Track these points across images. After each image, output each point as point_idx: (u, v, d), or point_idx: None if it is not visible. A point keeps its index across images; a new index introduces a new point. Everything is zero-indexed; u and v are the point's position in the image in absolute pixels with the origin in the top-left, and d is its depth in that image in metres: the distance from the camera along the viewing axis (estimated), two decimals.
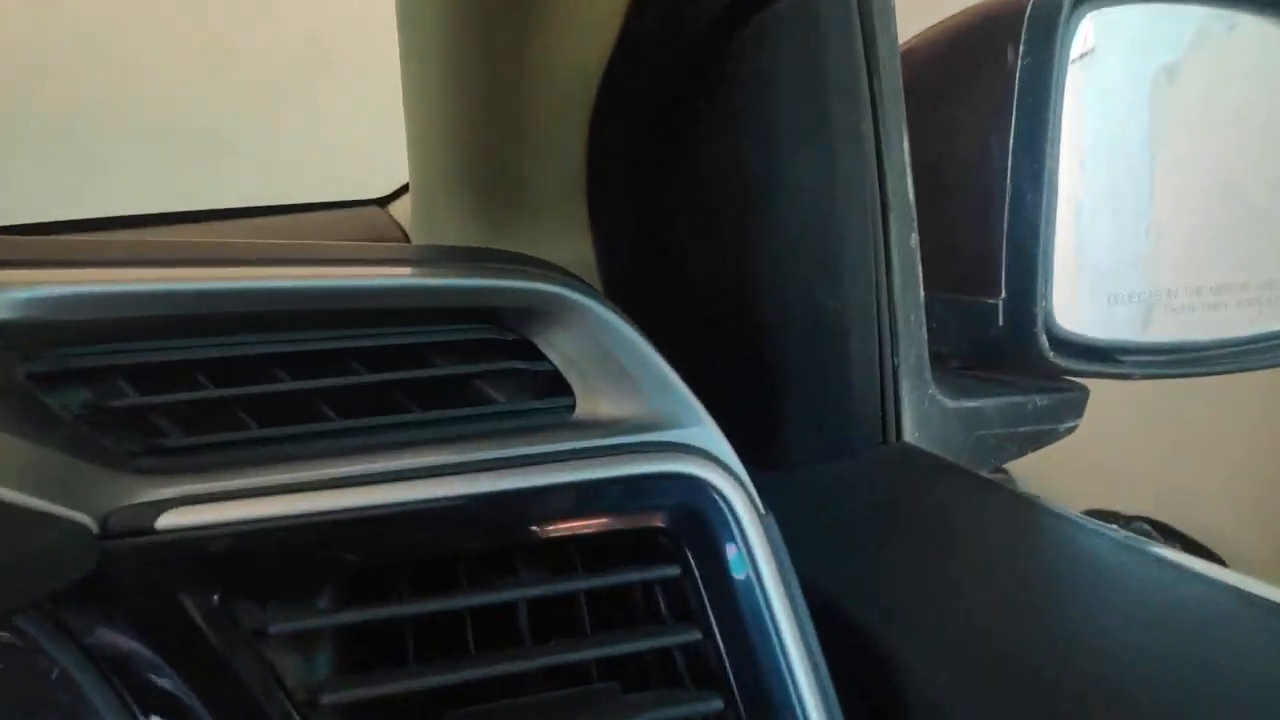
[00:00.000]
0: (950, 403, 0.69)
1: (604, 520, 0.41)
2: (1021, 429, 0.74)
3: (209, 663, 0.36)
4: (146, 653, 0.36)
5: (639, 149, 0.59)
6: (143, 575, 0.36)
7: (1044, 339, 0.71)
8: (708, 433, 0.44)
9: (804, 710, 0.40)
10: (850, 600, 0.46)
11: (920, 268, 0.59)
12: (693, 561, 0.41)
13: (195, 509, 0.38)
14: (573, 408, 0.45)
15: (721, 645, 0.40)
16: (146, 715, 0.35)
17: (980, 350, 0.74)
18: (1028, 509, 0.53)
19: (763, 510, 0.43)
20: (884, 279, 0.56)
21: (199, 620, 0.36)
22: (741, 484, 0.42)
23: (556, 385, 0.45)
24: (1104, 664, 0.42)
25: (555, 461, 0.41)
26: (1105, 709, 0.39)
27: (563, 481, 0.41)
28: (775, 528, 0.43)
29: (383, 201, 1.10)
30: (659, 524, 0.41)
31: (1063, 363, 0.73)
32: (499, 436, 0.42)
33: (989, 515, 0.52)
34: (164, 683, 0.35)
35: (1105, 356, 0.75)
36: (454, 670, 0.39)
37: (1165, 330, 0.76)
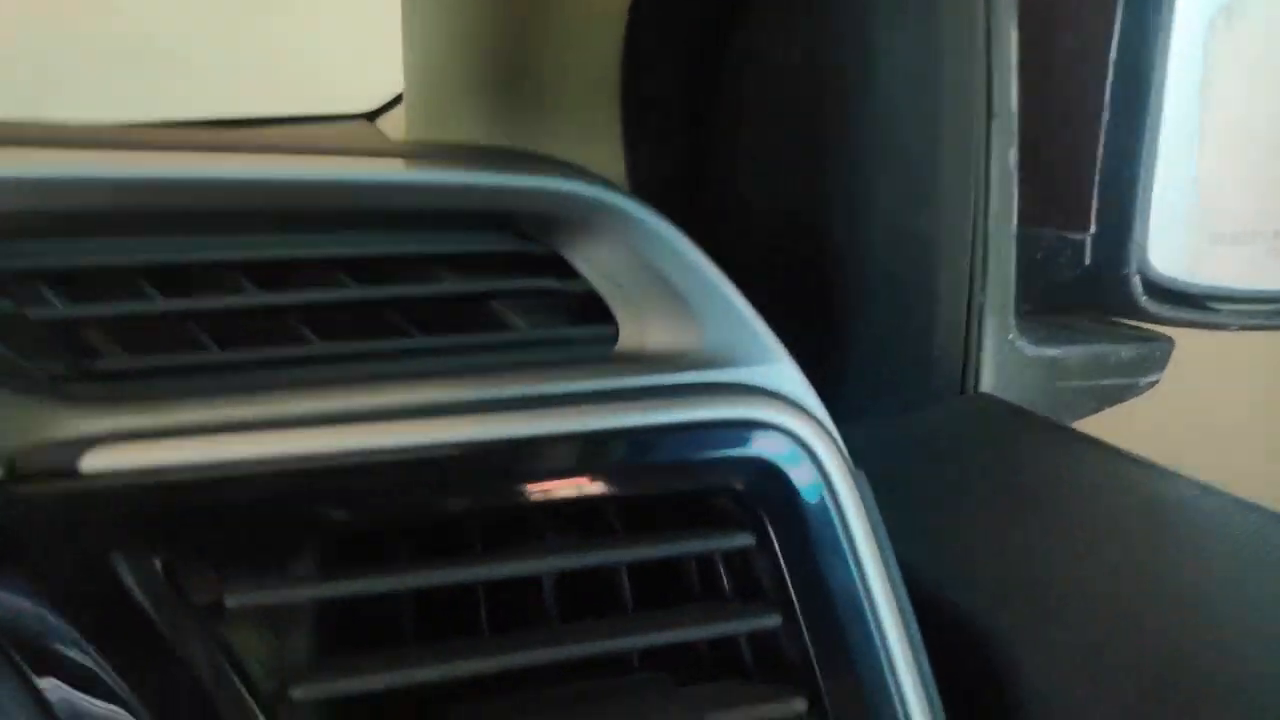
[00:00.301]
0: (1031, 350, 0.60)
1: (657, 478, 0.32)
2: (1102, 382, 0.66)
3: (147, 648, 0.27)
4: (64, 632, 0.27)
5: (686, 38, 0.49)
6: (60, 532, 0.27)
7: (1136, 281, 0.62)
8: (785, 371, 0.35)
9: (906, 712, 0.32)
10: (945, 579, 0.38)
11: (1016, 190, 0.50)
12: (770, 529, 0.32)
13: (131, 447, 0.29)
14: (614, 339, 0.36)
15: (806, 632, 0.32)
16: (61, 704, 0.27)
17: (1059, 292, 0.65)
18: (1137, 469, 0.45)
19: (853, 467, 0.34)
20: (981, 200, 0.47)
21: (134, 591, 0.27)
22: (830, 434, 0.34)
23: (593, 310, 0.36)
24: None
25: (593, 403, 0.33)
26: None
27: (603, 428, 0.32)
28: (869, 489, 0.34)
29: (371, 116, 1.00)
30: (729, 484, 0.32)
31: (1155, 309, 0.64)
32: (521, 370, 0.33)
33: (1094, 476, 0.44)
34: (85, 673, 0.27)
35: (1202, 304, 0.66)
36: (458, 659, 0.30)
37: (1270, 277, 0.67)
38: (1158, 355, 0.70)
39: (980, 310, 0.51)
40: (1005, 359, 0.58)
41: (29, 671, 0.27)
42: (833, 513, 0.33)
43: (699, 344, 0.35)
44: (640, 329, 0.35)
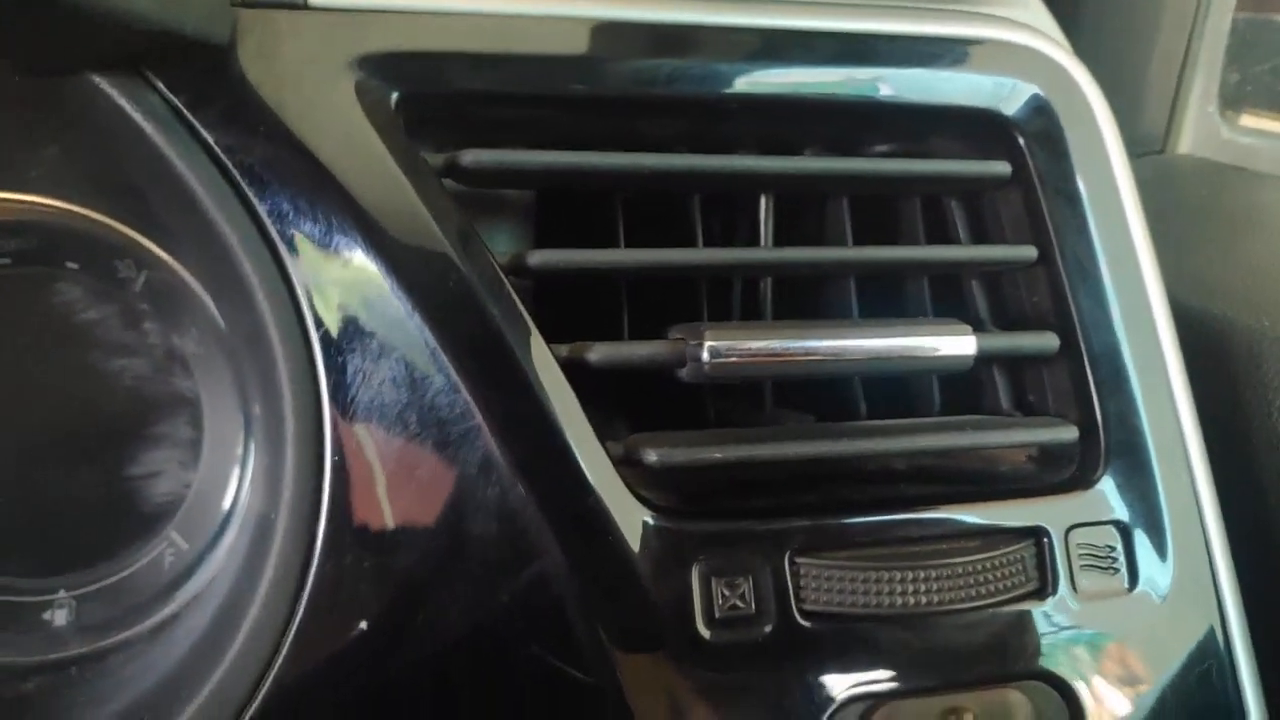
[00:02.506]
0: (1227, 132, 0.56)
1: (908, 88, 0.29)
2: None
3: (386, 190, 0.25)
4: (294, 165, 0.25)
5: None
6: (296, 59, 0.25)
7: None
8: (1041, 15, 0.32)
9: (1164, 365, 0.29)
10: (1179, 287, 0.35)
11: None
12: (1031, 161, 0.29)
13: None
14: None
15: (1063, 271, 0.29)
16: (291, 254, 0.25)
17: (1258, 83, 0.60)
18: None
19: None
20: None
21: (371, 130, 0.25)
22: (1092, 76, 0.30)
23: None
24: None
25: (829, 4, 0.29)
26: None
27: (848, 29, 0.29)
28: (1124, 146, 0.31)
29: None
30: (989, 107, 0.29)
31: None
32: None
33: None
34: (320, 208, 0.25)
35: None
36: (682, 254, 0.28)
37: None
38: None
39: (1192, 68, 0.47)
40: (1204, 131, 0.53)
41: (251, 195, 0.25)
42: (1098, 147, 0.29)
43: None
44: None
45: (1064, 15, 0.46)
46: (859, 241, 0.30)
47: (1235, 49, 0.58)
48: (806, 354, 0.26)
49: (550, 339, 0.27)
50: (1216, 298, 0.35)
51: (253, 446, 0.30)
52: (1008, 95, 0.30)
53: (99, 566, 0.30)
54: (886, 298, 0.31)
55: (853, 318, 0.30)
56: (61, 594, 0.30)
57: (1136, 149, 0.49)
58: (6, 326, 0.29)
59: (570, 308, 0.29)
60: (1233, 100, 0.58)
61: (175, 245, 0.31)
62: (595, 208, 0.30)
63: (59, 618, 0.30)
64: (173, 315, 0.31)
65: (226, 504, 0.31)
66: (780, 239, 0.30)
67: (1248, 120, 0.59)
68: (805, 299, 0.31)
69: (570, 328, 0.28)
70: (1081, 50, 0.47)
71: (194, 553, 0.31)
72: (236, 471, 0.31)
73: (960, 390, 0.30)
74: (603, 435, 0.26)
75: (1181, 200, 0.43)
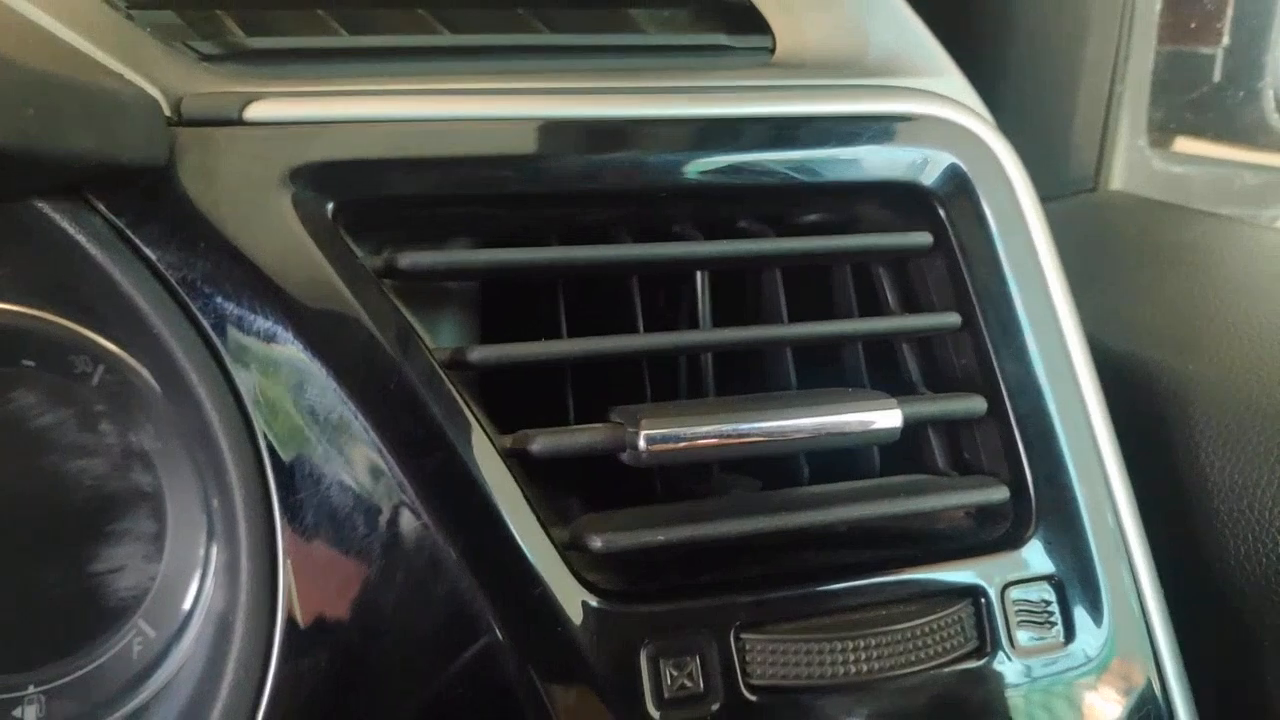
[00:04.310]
0: (1158, 162, 0.57)
1: (827, 169, 0.30)
2: (1224, 210, 0.63)
3: (325, 297, 0.26)
4: (236, 278, 0.26)
5: None
6: (232, 175, 0.26)
7: (1269, 97, 0.59)
8: (958, 84, 0.33)
9: (1089, 422, 0.30)
10: (1107, 330, 0.37)
11: None
12: (951, 230, 0.31)
13: (292, 102, 0.27)
14: (772, 49, 0.34)
15: (987, 336, 0.30)
16: (236, 365, 0.26)
17: (1185, 112, 0.62)
18: (1275, 238, 0.43)
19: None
20: None
21: (308, 239, 0.26)
22: (1008, 143, 0.32)
23: (747, 19, 0.34)
24: None
25: (755, 93, 0.30)
26: None
27: (770, 114, 0.30)
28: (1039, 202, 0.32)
29: None
30: (909, 180, 0.30)
31: None
32: (670, 69, 0.31)
33: (1240, 244, 0.42)
34: (261, 317, 0.26)
35: None
36: (622, 340, 0.29)
37: None
38: None
39: (1119, 101, 0.49)
40: (1134, 165, 0.55)
41: (195, 309, 0.26)
42: (1017, 214, 0.31)
43: (863, 52, 0.33)
44: (799, 37, 0.33)
45: (991, 62, 0.47)
46: (794, 305, 0.31)
47: (1161, 82, 0.60)
48: (741, 437, 0.27)
49: (502, 418, 0.28)
50: (1143, 340, 0.36)
51: (214, 542, 0.31)
52: (926, 167, 0.31)
53: (68, 660, 0.31)
54: (824, 363, 0.32)
55: (791, 389, 0.31)
56: (31, 690, 0.30)
57: (1070, 188, 0.50)
58: None
59: (518, 387, 0.29)
60: (1162, 131, 0.60)
61: (128, 343, 0.32)
62: (538, 291, 0.31)
63: (29, 715, 0.31)
64: (131, 411, 0.32)
65: (191, 595, 0.31)
66: (720, 306, 0.31)
67: (1181, 145, 0.61)
68: (748, 367, 0.32)
69: (520, 405, 0.29)
70: (1010, 95, 0.48)
71: (162, 640, 0.31)
72: (200, 563, 0.31)
73: (901, 448, 0.31)
74: (552, 516, 0.27)
75: (1112, 239, 0.44)
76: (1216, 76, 0.60)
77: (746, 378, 0.32)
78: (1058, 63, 0.46)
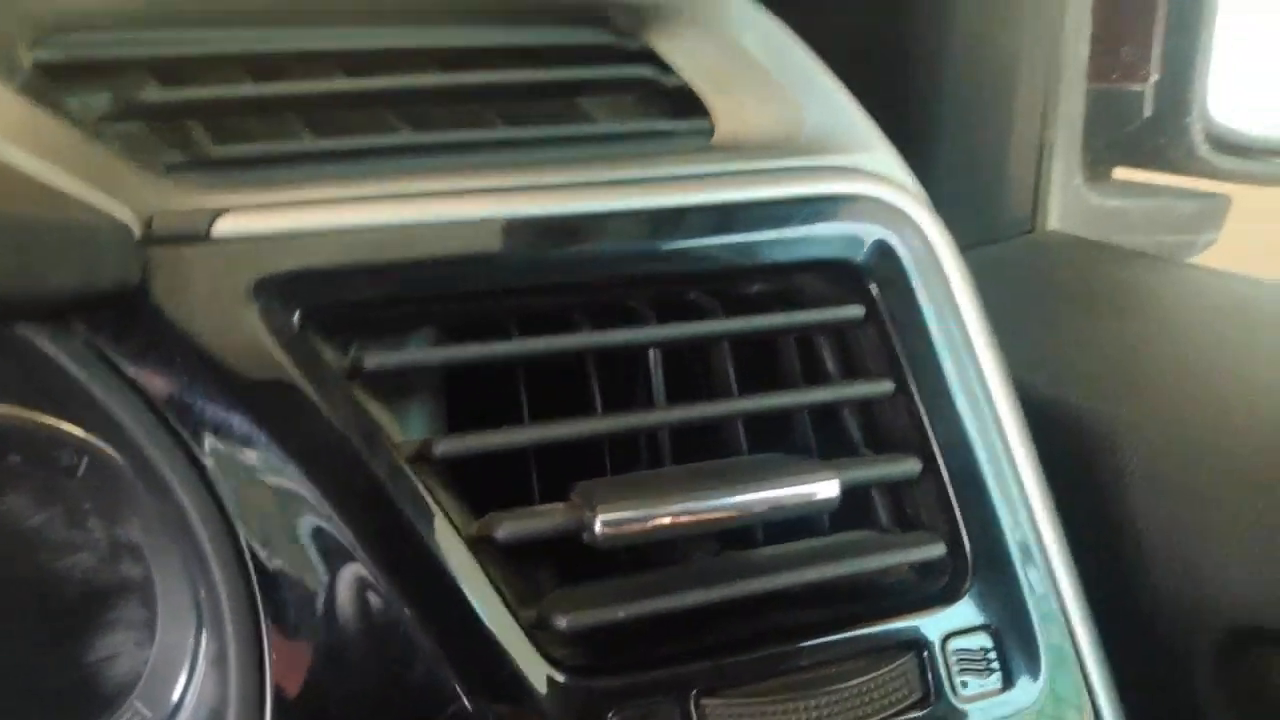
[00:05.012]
0: (1095, 198, 0.60)
1: (765, 252, 0.33)
2: (1163, 239, 0.66)
3: (294, 403, 0.28)
4: (211, 390, 0.28)
5: None
6: (202, 290, 0.28)
7: (1198, 130, 0.62)
8: (887, 158, 0.35)
9: (1018, 478, 0.32)
10: (1042, 377, 0.39)
11: (1090, 15, 0.50)
12: (880, 302, 0.33)
13: (258, 215, 0.29)
14: (711, 131, 0.36)
15: (919, 401, 0.32)
16: (216, 473, 0.28)
17: (1119, 147, 0.65)
18: (1213, 278, 0.45)
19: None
20: (1059, 23, 0.46)
21: (277, 349, 0.28)
22: (935, 215, 0.34)
23: (688, 104, 0.36)
24: None
25: (695, 181, 0.33)
26: None
27: (709, 202, 0.32)
28: (968, 270, 0.35)
29: None
30: (841, 256, 0.32)
31: (1215, 160, 0.64)
32: (616, 159, 0.33)
33: (1174, 287, 0.45)
34: (236, 426, 0.27)
35: (1263, 156, 0.65)
36: (582, 423, 0.31)
37: None
38: (1214, 212, 0.70)
39: (1051, 146, 0.51)
40: (1070, 204, 0.57)
41: (172, 421, 0.27)
42: (941, 284, 0.33)
43: (798, 132, 0.35)
44: (737, 120, 0.35)
45: (925, 117, 0.50)
46: (744, 366, 0.33)
47: (1094, 119, 0.62)
48: (693, 515, 0.29)
49: (475, 489, 0.29)
50: (1073, 386, 0.38)
51: (204, 630, 0.32)
52: (856, 244, 0.33)
53: None
54: (774, 423, 0.34)
55: (743, 453, 0.33)
56: None
57: (1008, 231, 0.53)
58: None
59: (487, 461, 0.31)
60: (1097, 168, 0.62)
61: (110, 441, 0.33)
62: (500, 373, 0.32)
63: None
64: (117, 502, 0.33)
65: (182, 682, 0.33)
66: (673, 368, 0.33)
67: (1117, 180, 0.63)
68: (703, 430, 0.34)
69: (490, 475, 0.30)
70: (945, 147, 0.51)
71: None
72: (190, 651, 0.33)
73: (849, 501, 0.33)
74: (523, 592, 0.29)
75: (1045, 282, 0.47)
76: (1148, 112, 0.62)
77: (702, 436, 0.34)
78: (989, 111, 0.48)
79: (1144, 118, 0.63)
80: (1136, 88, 0.62)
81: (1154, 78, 0.62)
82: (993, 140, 0.48)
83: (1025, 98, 0.49)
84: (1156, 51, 0.61)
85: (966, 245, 0.52)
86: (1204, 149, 0.62)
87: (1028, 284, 0.47)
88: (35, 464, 0.32)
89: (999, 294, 0.48)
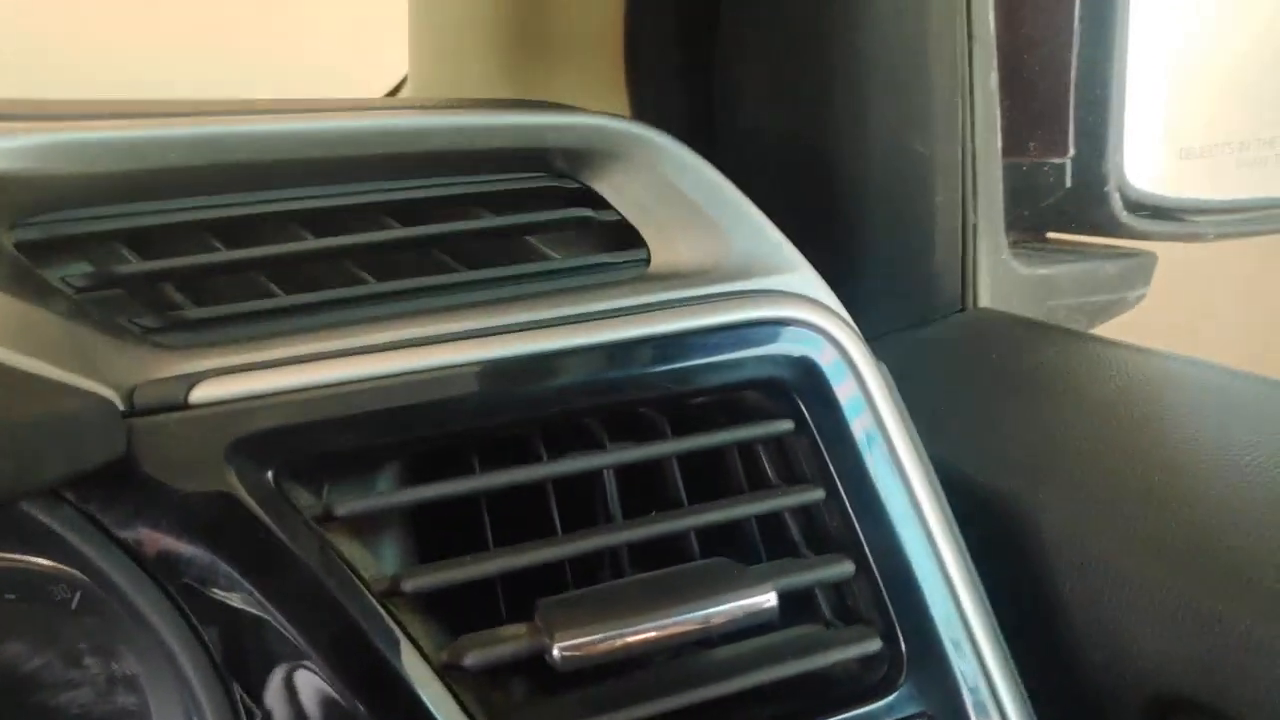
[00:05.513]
0: (1023, 269, 0.64)
1: (702, 376, 0.36)
2: (1093, 298, 0.70)
3: (272, 553, 0.30)
4: (195, 547, 0.30)
5: None
6: (182, 456, 0.31)
7: (1116, 198, 0.66)
8: (808, 278, 0.38)
9: (945, 571, 0.35)
10: (971, 463, 0.42)
11: (999, 112, 0.53)
12: (808, 415, 0.36)
13: (232, 379, 0.32)
14: (647, 261, 0.39)
15: (849, 505, 0.35)
16: (204, 623, 0.30)
17: (1045, 215, 0.69)
18: (1141, 355, 0.49)
19: (877, 359, 0.38)
20: (968, 120, 0.50)
21: (253, 505, 0.31)
22: (853, 329, 0.37)
23: (626, 237, 0.40)
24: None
25: (635, 314, 0.36)
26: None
27: (648, 334, 0.35)
28: (891, 380, 0.38)
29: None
30: (768, 376, 0.36)
31: (1136, 224, 0.68)
32: (563, 294, 0.37)
33: (1102, 365, 0.48)
34: (220, 579, 0.30)
35: (1179, 216, 0.70)
36: (542, 549, 0.34)
37: (1239, 186, 0.71)
38: (1141, 268, 0.74)
39: (974, 230, 0.55)
40: (1000, 277, 0.61)
41: (160, 579, 0.30)
42: (862, 396, 0.36)
43: (727, 259, 0.38)
44: (671, 250, 0.39)
45: (852, 216, 0.53)
46: (690, 474, 0.36)
47: (1017, 194, 0.66)
48: (644, 638, 0.32)
49: (446, 613, 0.32)
50: (998, 469, 0.41)
51: None
52: (782, 363, 0.36)
53: None
54: (721, 530, 0.37)
55: (695, 558, 0.36)
56: None
57: (941, 311, 0.56)
58: None
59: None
60: (1023, 240, 0.66)
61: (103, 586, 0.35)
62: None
63: None
64: (112, 636, 0.35)
65: None
66: (625, 476, 0.36)
67: (1042, 250, 0.67)
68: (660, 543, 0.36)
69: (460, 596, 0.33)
70: (874, 241, 0.54)
71: None
72: None
73: (795, 598, 0.36)
74: (499, 703, 0.32)
75: (972, 362, 0.50)
76: (1069, 183, 0.67)
77: (662, 554, 0.36)
78: (913, 202, 0.52)
79: (1066, 188, 0.67)
80: (1057, 161, 0.67)
81: (1071, 152, 0.66)
82: (920, 228, 0.52)
83: (946, 185, 0.53)
84: (1072, 129, 0.66)
85: (901, 327, 0.56)
86: (1123, 214, 0.67)
87: (956, 364, 0.50)
88: (30, 599, 0.34)
89: (930, 374, 0.51)
